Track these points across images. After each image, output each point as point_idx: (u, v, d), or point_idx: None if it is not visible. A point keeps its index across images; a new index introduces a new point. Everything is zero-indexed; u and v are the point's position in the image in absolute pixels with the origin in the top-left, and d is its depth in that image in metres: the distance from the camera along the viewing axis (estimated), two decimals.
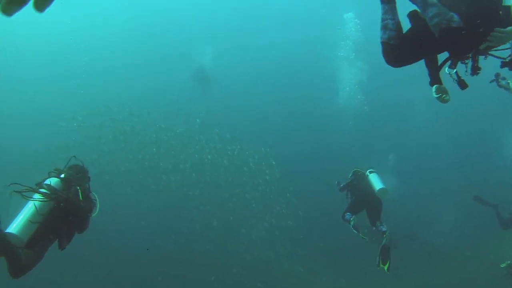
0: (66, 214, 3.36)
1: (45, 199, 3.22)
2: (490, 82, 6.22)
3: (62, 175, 3.57)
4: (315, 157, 16.60)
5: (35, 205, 3.15)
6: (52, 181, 3.45)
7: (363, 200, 7.32)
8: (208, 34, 19.59)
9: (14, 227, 3.02)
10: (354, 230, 6.96)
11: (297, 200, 13.68)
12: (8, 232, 2.96)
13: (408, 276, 10.79)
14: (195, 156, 14.59)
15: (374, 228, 7.19)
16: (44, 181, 3.45)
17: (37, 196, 3.23)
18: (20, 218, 3.08)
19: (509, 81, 6.27)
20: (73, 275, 9.93)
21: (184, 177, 14.00)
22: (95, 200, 3.69)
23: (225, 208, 13.19)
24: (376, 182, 7.13)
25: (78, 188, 3.48)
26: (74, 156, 3.79)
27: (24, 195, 3.19)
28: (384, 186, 7.02)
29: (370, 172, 7.38)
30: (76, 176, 3.62)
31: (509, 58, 2.80)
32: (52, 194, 3.27)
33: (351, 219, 7.00)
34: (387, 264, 6.65)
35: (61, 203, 3.30)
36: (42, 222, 3.16)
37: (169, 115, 15.80)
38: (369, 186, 7.17)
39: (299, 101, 18.68)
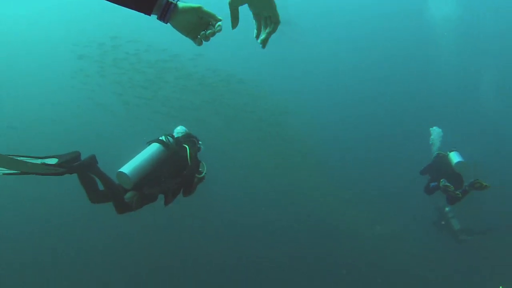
0: (175, 170, 3.61)
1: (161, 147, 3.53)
2: None
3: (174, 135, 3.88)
4: None
5: (150, 151, 3.47)
6: (169, 137, 3.72)
7: None
8: None
9: (125, 167, 3.28)
10: None
11: None
12: (119, 171, 3.25)
13: None
14: None
15: None
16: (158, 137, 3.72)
17: (154, 144, 3.55)
18: (133, 161, 3.35)
19: None
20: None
21: None
22: (203, 167, 3.95)
23: None
24: None
25: (187, 147, 3.67)
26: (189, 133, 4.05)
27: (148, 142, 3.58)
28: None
29: None
30: (187, 139, 3.87)
31: None
32: (168, 143, 3.58)
33: None
34: None
35: (172, 155, 3.58)
36: (152, 169, 3.42)
37: None
38: None
39: None
